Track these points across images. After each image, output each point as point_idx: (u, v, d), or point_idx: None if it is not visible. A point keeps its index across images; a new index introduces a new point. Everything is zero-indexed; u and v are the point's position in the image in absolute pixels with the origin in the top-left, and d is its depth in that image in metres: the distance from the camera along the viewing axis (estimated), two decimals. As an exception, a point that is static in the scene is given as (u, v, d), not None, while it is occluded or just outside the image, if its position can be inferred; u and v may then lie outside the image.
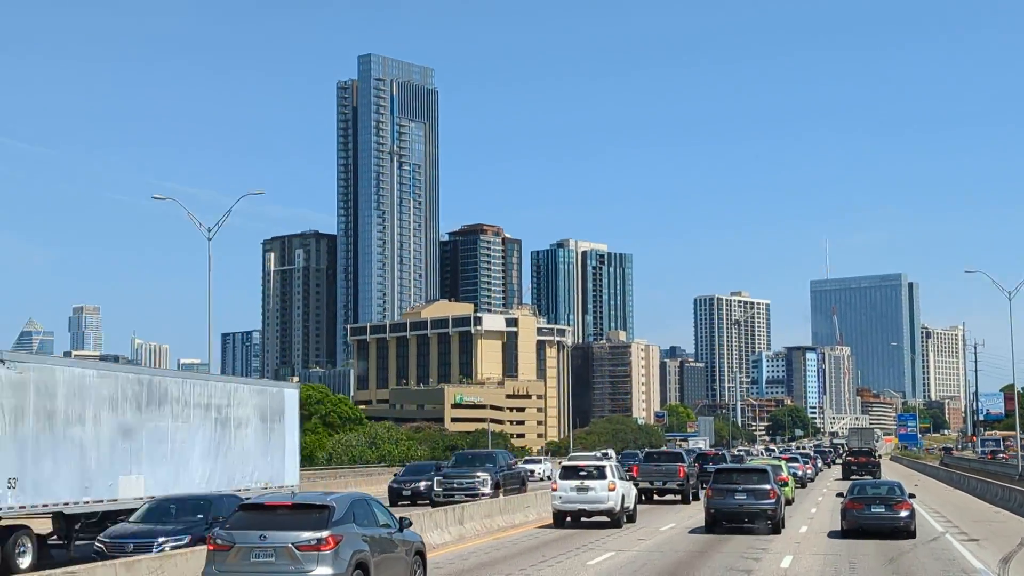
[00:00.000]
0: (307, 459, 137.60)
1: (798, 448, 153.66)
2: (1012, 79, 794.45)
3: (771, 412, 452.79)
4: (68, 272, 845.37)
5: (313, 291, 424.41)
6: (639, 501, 45.31)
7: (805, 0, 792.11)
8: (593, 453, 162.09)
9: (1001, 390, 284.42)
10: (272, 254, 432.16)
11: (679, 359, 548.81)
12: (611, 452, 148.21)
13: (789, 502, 51.14)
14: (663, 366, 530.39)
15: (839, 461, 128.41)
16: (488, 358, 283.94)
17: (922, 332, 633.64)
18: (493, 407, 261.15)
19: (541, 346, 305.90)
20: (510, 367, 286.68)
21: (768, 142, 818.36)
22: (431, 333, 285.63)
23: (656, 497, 58.72)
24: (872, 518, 36.68)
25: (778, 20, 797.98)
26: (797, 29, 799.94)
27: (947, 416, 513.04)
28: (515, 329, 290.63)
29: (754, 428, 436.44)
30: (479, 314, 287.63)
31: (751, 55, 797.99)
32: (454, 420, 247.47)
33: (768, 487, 38.52)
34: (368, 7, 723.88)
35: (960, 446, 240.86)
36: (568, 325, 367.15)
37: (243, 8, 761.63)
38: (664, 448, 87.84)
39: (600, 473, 40.28)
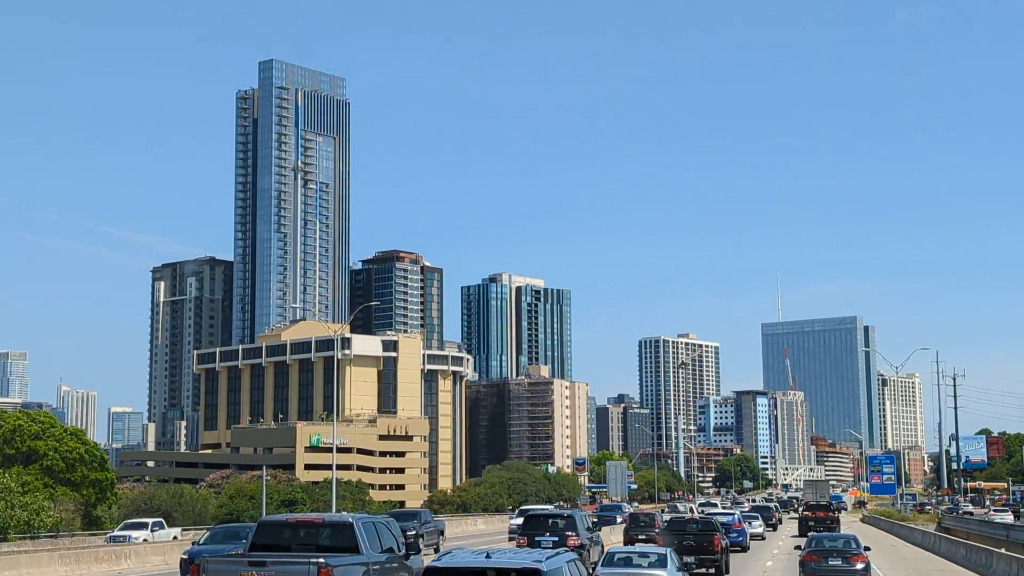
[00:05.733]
0: None
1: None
2: (968, 121, 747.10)
3: (719, 462, 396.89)
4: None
5: (207, 324, 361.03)
6: None
7: (760, 30, 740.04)
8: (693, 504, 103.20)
9: (978, 433, 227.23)
10: (162, 283, 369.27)
11: (623, 405, 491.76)
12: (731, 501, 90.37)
13: None
14: (604, 411, 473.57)
15: (794, 515, 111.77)
16: (360, 390, 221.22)
17: (878, 380, 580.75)
18: (361, 451, 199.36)
19: (432, 377, 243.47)
20: (388, 401, 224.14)
21: (718, 176, 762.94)
22: (291, 359, 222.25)
23: None
24: (829, 570, 36.62)
25: (724, 49, 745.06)
26: (746, 60, 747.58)
27: (907, 467, 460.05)
28: (394, 354, 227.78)
29: (701, 479, 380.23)
30: (348, 335, 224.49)
31: (697, 82, 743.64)
32: (308, 467, 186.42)
33: None
34: (271, 9, 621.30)
35: (936, 500, 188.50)
36: (468, 354, 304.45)
37: (133, 12, 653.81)
38: (317, 516, 26.65)
39: None
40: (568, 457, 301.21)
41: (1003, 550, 42.60)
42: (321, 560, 20.69)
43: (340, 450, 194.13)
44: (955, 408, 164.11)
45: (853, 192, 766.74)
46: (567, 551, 15.23)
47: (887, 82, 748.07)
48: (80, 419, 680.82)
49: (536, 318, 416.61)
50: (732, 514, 69.86)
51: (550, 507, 66.85)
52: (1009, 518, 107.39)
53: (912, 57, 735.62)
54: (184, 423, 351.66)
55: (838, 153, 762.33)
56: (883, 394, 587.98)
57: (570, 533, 41.48)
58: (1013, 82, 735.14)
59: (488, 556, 14.15)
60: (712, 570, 42.53)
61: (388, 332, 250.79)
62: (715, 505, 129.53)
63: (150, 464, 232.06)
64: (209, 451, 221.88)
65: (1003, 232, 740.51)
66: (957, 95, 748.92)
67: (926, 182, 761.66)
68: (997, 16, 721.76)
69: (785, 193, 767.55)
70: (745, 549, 60.90)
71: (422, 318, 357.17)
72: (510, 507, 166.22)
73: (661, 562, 28.62)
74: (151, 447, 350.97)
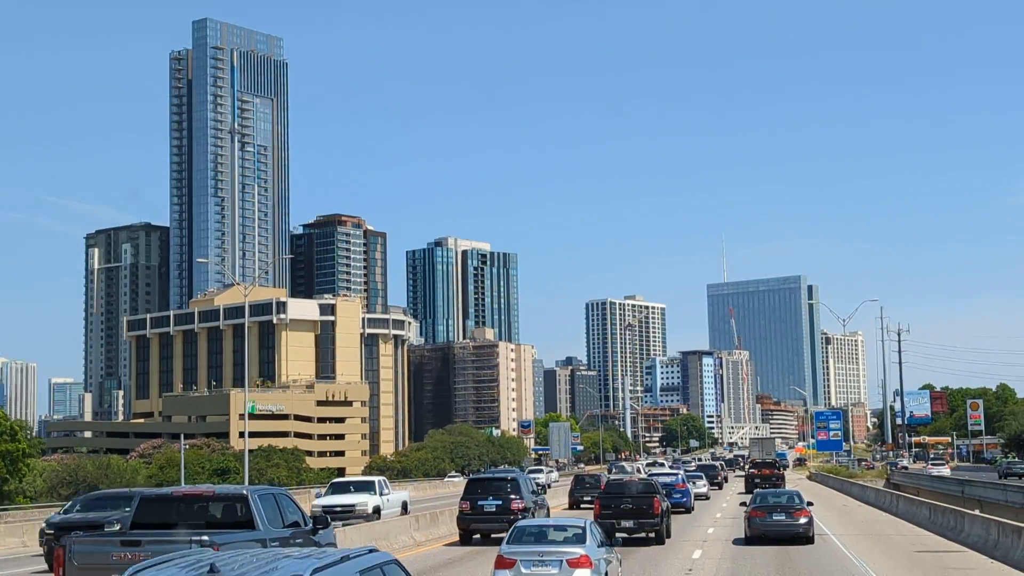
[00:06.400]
0: None
1: None
2: (909, 73, 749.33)
3: (665, 421, 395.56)
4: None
5: (143, 291, 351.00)
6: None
7: None
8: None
9: (922, 388, 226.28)
10: (96, 250, 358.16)
11: (571, 367, 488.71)
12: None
13: None
14: (552, 374, 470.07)
15: (740, 473, 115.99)
16: (297, 355, 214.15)
17: (822, 338, 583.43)
18: (299, 417, 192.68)
19: (373, 341, 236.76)
20: (326, 367, 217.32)
21: (664, 135, 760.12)
22: (224, 325, 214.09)
23: None
24: (774, 525, 37.37)
25: (664, 5, 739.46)
26: (685, 17, 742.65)
27: (850, 424, 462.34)
28: (332, 318, 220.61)
29: (647, 439, 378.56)
30: (284, 299, 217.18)
31: (639, 42, 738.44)
32: (244, 435, 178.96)
33: None
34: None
35: (880, 456, 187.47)
36: (412, 318, 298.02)
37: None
38: (207, 489, 22.14)
39: None
40: (514, 420, 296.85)
41: (977, 512, 37.51)
42: (205, 538, 17.80)
43: (277, 417, 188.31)
44: (899, 363, 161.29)
45: (797, 151, 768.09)
46: (367, 554, 9.49)
47: (825, 38, 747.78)
48: (20, 391, 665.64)
49: (482, 282, 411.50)
50: (675, 474, 65.45)
51: (359, 478, 60.10)
52: (946, 471, 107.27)
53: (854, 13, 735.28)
54: (122, 393, 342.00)
55: (781, 111, 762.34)
56: (827, 352, 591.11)
57: (514, 496, 39.69)
58: (951, 31, 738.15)
59: (211, 570, 8.32)
60: (652, 534, 38.56)
61: (326, 296, 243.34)
62: (663, 465, 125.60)
63: (87, 435, 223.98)
64: (141, 420, 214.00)
65: (946, 188, 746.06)
66: (896, 47, 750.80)
67: (869, 139, 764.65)
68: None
69: (729, 153, 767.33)
70: (689, 510, 57.03)
71: (366, 283, 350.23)
72: (452, 472, 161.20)
73: (579, 538, 23.08)
74: (88, 418, 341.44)
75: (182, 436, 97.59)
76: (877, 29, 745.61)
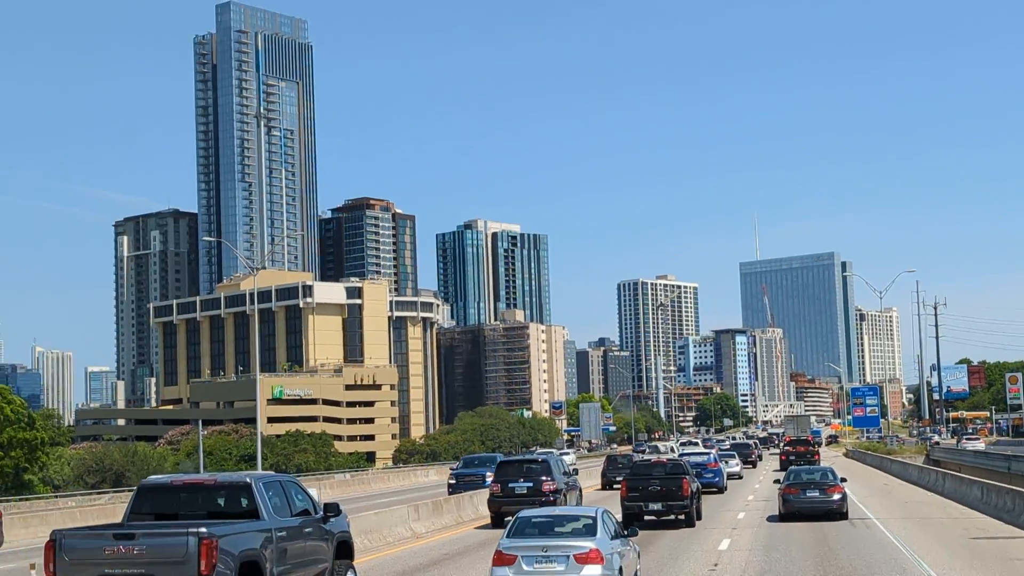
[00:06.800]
0: None
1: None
2: (942, 45, 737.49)
3: (699, 401, 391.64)
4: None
5: (172, 278, 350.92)
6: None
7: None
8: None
9: (959, 363, 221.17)
10: (125, 237, 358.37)
11: (603, 348, 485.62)
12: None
13: None
14: (584, 355, 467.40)
15: (775, 451, 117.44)
16: (324, 339, 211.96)
17: (856, 314, 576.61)
18: (327, 402, 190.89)
19: (401, 324, 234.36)
20: (354, 350, 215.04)
21: (692, 117, 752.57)
22: (251, 309, 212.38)
23: None
24: (807, 502, 37.67)
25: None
26: None
27: (886, 401, 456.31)
28: (359, 301, 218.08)
29: (681, 419, 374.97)
30: (310, 283, 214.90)
31: (668, 24, 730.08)
32: (272, 420, 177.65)
33: None
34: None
35: (916, 432, 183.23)
36: (443, 301, 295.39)
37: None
38: (208, 477, 20.12)
39: None
40: (546, 402, 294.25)
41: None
42: (202, 530, 16.88)
43: (305, 402, 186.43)
44: (936, 337, 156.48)
45: (829, 128, 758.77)
46: None
47: (859, 17, 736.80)
48: (57, 380, 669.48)
49: (513, 264, 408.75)
50: (708, 453, 62.70)
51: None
52: (981, 446, 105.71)
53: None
54: (153, 380, 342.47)
55: (812, 89, 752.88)
56: (861, 329, 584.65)
57: (545, 478, 39.25)
58: (983, 7, 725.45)
59: None
60: (682, 516, 36.55)
61: (353, 280, 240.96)
62: (696, 444, 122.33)
63: (120, 422, 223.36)
64: (170, 407, 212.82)
65: (980, 160, 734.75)
66: (926, 21, 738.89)
67: (900, 115, 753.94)
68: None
69: (760, 131, 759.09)
70: (722, 490, 54.60)
71: (395, 266, 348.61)
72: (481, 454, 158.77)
73: (589, 529, 20.08)
74: (121, 405, 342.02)
75: (199, 423, 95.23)
76: (905, 4, 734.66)
